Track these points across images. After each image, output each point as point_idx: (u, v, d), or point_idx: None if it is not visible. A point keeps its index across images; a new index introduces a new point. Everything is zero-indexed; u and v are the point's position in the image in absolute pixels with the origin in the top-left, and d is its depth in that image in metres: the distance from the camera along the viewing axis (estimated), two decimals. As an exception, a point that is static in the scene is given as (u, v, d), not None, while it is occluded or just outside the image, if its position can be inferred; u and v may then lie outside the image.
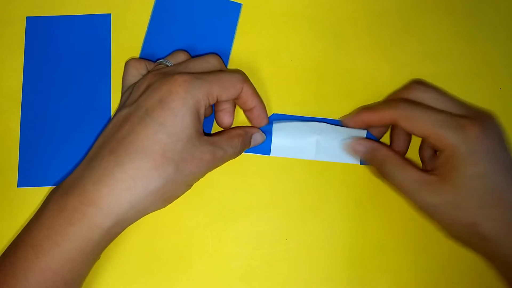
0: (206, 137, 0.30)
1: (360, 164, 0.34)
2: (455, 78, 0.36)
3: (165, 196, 0.28)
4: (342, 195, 0.34)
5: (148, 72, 0.32)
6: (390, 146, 0.34)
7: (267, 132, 0.34)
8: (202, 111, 0.29)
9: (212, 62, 0.32)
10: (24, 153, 0.35)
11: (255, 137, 0.33)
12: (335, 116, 0.35)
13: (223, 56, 0.36)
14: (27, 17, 0.37)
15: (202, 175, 0.30)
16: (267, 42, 0.36)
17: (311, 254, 0.33)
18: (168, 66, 0.32)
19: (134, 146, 0.26)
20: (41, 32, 0.36)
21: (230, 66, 0.36)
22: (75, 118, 0.35)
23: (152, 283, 0.32)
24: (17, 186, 0.34)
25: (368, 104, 0.35)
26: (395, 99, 0.32)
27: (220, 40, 0.37)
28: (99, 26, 0.37)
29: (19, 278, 0.26)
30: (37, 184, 0.34)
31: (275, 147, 0.34)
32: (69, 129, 0.35)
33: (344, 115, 0.34)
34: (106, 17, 0.37)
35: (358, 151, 0.33)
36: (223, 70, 0.33)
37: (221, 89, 0.30)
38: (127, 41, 0.36)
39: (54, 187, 0.30)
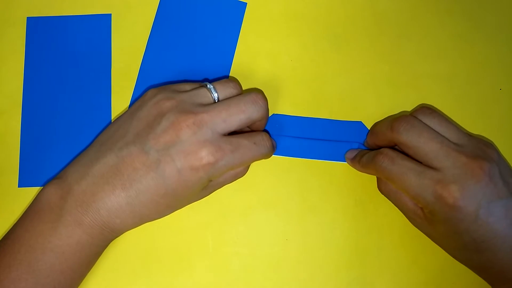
0: (212, 183, 0.30)
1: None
2: (456, 78, 0.36)
3: None
4: (342, 195, 0.34)
5: (188, 93, 0.30)
6: None
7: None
8: (215, 178, 0.30)
9: (253, 118, 0.29)
10: (25, 154, 0.35)
11: None
12: (335, 117, 0.35)
13: (227, 56, 0.36)
14: (27, 17, 0.37)
15: None
16: (268, 43, 0.36)
17: (311, 254, 0.33)
18: (211, 99, 0.30)
19: (145, 196, 0.28)
20: (42, 33, 0.37)
21: (232, 66, 0.36)
22: (75, 118, 0.35)
23: (152, 283, 0.33)
24: (18, 186, 0.34)
25: (358, 150, 0.34)
26: (379, 154, 0.30)
27: (224, 40, 0.36)
28: (99, 26, 0.37)
29: (39, 277, 0.27)
30: (37, 184, 0.34)
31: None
32: (69, 129, 0.35)
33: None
34: (106, 17, 0.37)
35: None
36: (260, 126, 0.32)
37: (241, 165, 0.30)
38: (127, 41, 0.36)
39: (53, 183, 0.29)
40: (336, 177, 0.34)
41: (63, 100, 0.35)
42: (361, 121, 0.35)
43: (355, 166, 0.33)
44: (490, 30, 0.37)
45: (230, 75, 0.36)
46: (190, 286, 0.33)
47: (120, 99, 0.35)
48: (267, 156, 0.31)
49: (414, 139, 0.29)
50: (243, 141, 0.29)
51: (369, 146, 0.34)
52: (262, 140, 0.30)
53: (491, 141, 0.34)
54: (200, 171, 0.28)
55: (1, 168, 0.34)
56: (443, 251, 0.31)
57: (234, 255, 0.33)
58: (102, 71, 0.36)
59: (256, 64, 0.36)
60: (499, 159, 0.29)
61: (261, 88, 0.35)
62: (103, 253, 0.31)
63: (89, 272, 0.32)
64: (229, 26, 0.37)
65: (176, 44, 0.36)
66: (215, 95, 0.30)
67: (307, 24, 0.37)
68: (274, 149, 0.33)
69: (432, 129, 0.30)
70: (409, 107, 0.35)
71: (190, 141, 0.28)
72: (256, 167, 0.34)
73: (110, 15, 0.37)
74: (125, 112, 0.31)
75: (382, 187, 0.32)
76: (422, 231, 0.32)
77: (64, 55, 0.36)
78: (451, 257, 0.31)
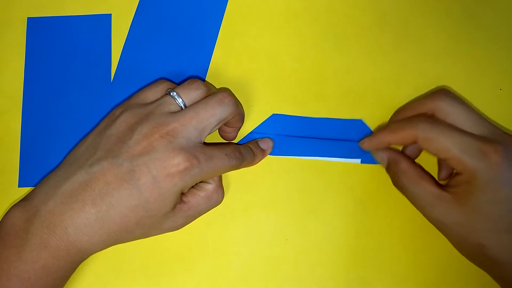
0: (181, 206, 0.30)
1: (361, 163, 0.34)
2: (456, 78, 0.36)
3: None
4: (342, 195, 0.34)
5: (154, 104, 0.30)
6: (407, 156, 0.33)
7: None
8: (186, 190, 0.29)
9: (223, 117, 0.30)
10: (25, 153, 0.35)
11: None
12: (335, 116, 0.35)
13: (207, 51, 0.36)
14: (28, 17, 0.37)
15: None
16: (268, 42, 0.36)
17: (311, 254, 0.33)
18: (178, 106, 0.30)
19: (115, 210, 0.27)
20: (42, 33, 0.37)
21: (230, 64, 0.36)
22: (75, 118, 0.35)
23: (152, 283, 0.33)
24: (18, 186, 0.34)
25: (388, 123, 0.34)
26: (416, 117, 0.30)
27: (205, 30, 0.37)
28: (99, 26, 0.37)
29: None
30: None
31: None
32: (69, 129, 0.35)
33: (364, 139, 0.33)
34: (106, 17, 0.37)
35: (382, 159, 0.33)
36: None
37: (213, 175, 0.30)
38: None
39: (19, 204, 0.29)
40: (336, 177, 0.34)
41: (63, 100, 0.35)
42: (361, 119, 0.35)
43: (379, 138, 0.32)
44: (490, 30, 0.37)
45: (229, 74, 0.36)
46: (190, 286, 0.33)
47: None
48: (245, 163, 0.32)
49: (455, 105, 0.30)
50: (215, 152, 0.29)
51: (383, 145, 0.32)
52: (232, 152, 0.31)
53: None
54: (175, 177, 0.27)
55: (1, 168, 0.35)
56: (443, 251, 0.31)
57: (234, 255, 0.33)
58: (102, 71, 0.36)
59: (256, 64, 0.36)
60: None
61: (261, 88, 0.36)
62: (103, 253, 0.31)
63: (90, 272, 0.32)
64: (210, 20, 0.37)
65: (155, 40, 0.36)
66: (180, 100, 0.30)
67: (307, 24, 0.37)
68: (263, 155, 0.34)
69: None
70: (409, 107, 0.35)
71: (166, 149, 0.28)
72: (256, 167, 0.34)
73: (110, 15, 0.37)
74: (92, 132, 0.31)
75: (400, 179, 0.31)
76: (436, 225, 0.30)
77: (64, 55, 0.36)
78: (451, 257, 0.31)
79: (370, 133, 0.35)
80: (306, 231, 0.33)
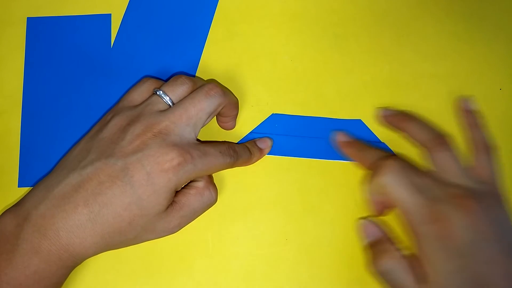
0: (172, 207, 0.29)
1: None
2: (455, 78, 0.36)
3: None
4: (342, 195, 0.34)
5: (143, 106, 0.30)
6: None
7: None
8: (180, 187, 0.29)
9: (212, 110, 0.30)
10: (25, 153, 0.35)
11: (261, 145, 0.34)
12: (334, 116, 0.35)
13: (197, 47, 0.36)
14: (27, 17, 0.37)
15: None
16: (267, 42, 0.37)
17: (311, 254, 0.33)
18: (166, 105, 0.30)
19: (108, 209, 0.27)
20: (42, 33, 0.37)
21: (230, 64, 0.36)
22: (75, 118, 0.35)
23: (152, 283, 0.32)
24: (18, 186, 0.34)
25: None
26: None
27: (195, 26, 0.37)
28: (99, 26, 0.37)
29: None
30: (37, 184, 0.34)
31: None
32: (69, 129, 0.35)
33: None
34: (106, 17, 0.37)
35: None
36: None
37: (207, 172, 0.30)
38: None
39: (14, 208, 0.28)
40: (336, 177, 0.34)
41: (63, 100, 0.35)
42: (360, 119, 0.35)
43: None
44: (490, 30, 0.37)
45: (229, 73, 0.36)
46: (190, 286, 0.33)
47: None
48: (240, 162, 0.32)
49: (395, 190, 0.30)
50: (209, 149, 0.29)
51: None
52: (227, 150, 0.31)
53: None
54: (169, 172, 0.27)
55: (1, 168, 0.35)
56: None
57: (234, 255, 0.33)
58: (102, 71, 0.36)
59: (256, 64, 0.36)
60: None
61: (261, 88, 0.36)
62: (103, 253, 0.31)
63: (89, 272, 0.32)
64: (200, 16, 0.37)
65: (147, 31, 0.37)
66: (167, 98, 0.30)
67: (307, 24, 0.37)
68: (261, 154, 0.34)
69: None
70: (408, 107, 0.35)
71: (159, 145, 0.28)
72: (256, 167, 0.34)
73: (110, 15, 0.37)
74: (84, 137, 0.31)
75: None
76: None
77: (64, 55, 0.36)
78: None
79: (369, 134, 0.35)
80: (306, 231, 0.33)
